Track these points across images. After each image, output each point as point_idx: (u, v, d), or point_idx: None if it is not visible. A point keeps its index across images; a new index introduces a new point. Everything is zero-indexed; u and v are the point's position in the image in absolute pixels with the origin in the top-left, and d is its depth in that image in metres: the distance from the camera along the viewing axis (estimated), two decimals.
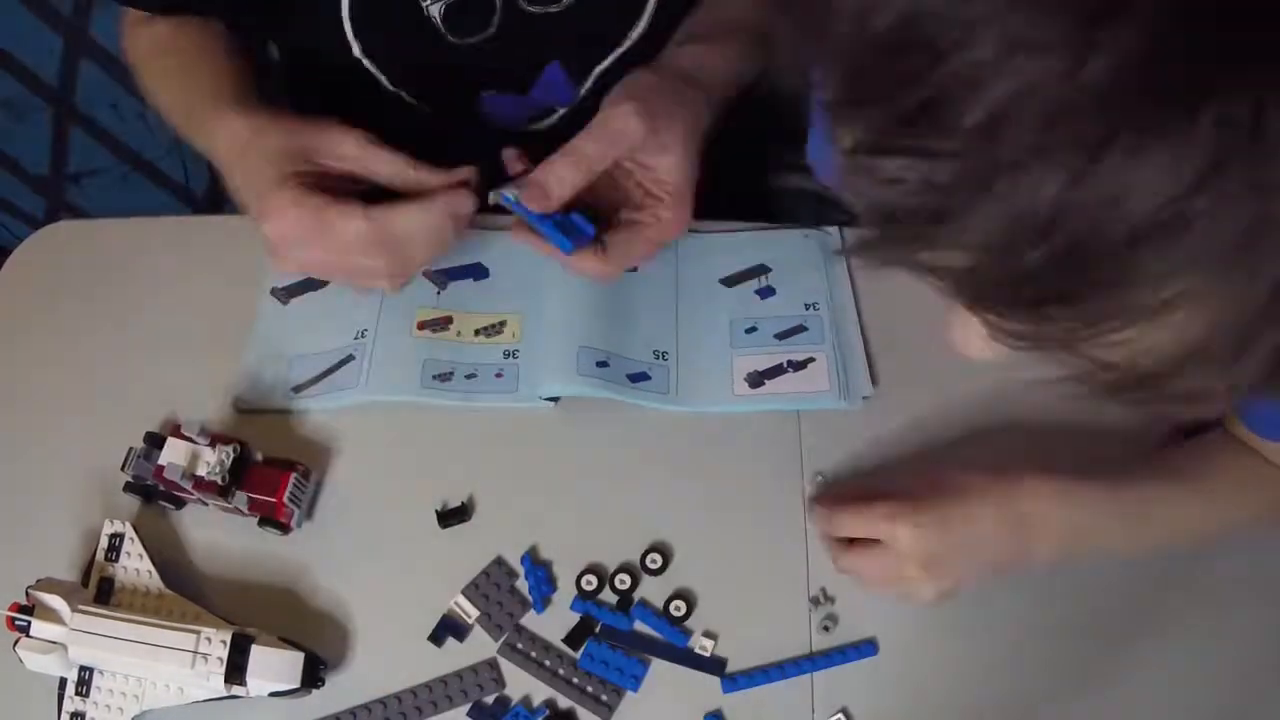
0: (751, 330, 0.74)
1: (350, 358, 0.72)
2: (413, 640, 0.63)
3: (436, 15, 0.73)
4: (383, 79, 0.79)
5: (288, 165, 0.61)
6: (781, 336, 0.73)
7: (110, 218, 0.84)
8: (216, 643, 0.57)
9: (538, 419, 0.71)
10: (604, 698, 0.61)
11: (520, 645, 0.63)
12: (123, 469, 0.65)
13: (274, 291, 0.77)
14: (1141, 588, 0.64)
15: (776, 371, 0.72)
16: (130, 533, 0.64)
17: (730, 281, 0.76)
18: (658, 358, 0.72)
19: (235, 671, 0.57)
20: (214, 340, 0.75)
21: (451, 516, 0.67)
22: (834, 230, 0.79)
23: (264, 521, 0.65)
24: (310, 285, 0.77)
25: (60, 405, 0.73)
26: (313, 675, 0.59)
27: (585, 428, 0.71)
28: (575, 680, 0.62)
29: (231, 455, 0.64)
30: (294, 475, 0.64)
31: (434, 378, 0.71)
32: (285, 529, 0.65)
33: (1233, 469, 0.60)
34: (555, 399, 0.70)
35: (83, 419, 0.72)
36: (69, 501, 0.68)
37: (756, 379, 0.71)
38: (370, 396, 0.70)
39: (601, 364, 0.69)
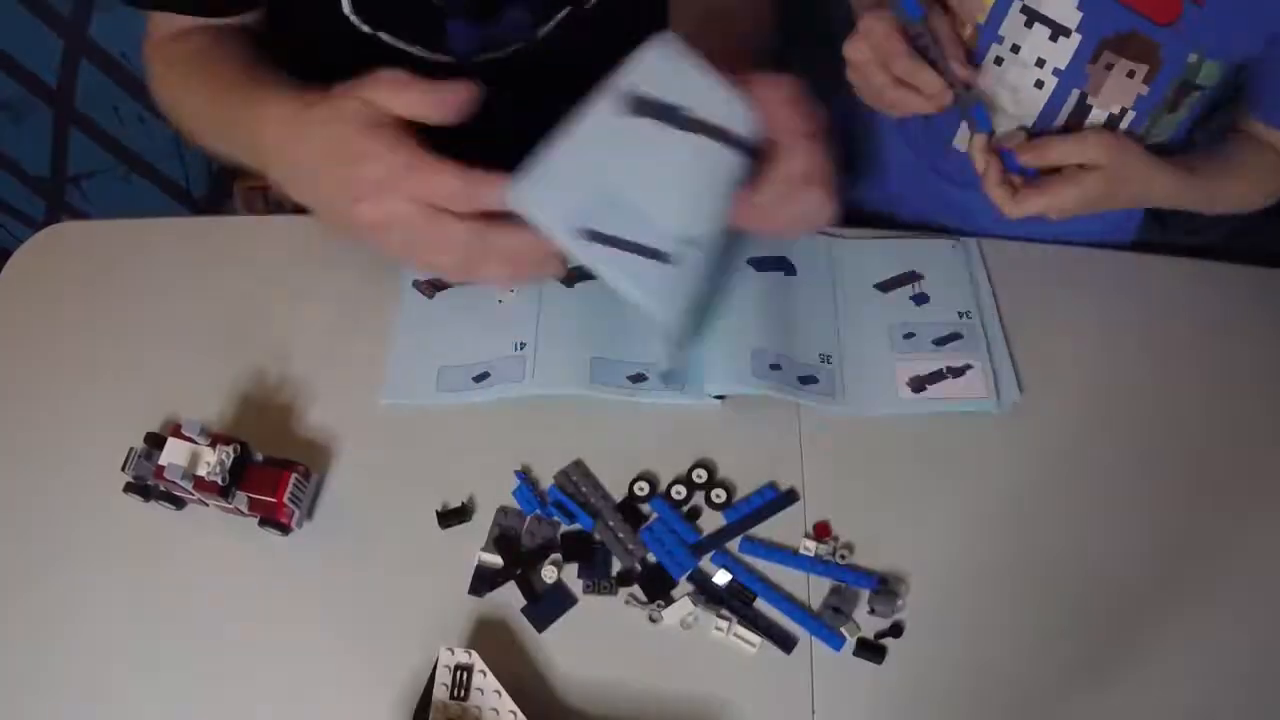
0: (910, 335, 0.75)
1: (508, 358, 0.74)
2: (416, 639, 0.63)
3: None
4: (360, 24, 0.79)
5: (366, 118, 0.56)
6: (939, 342, 0.75)
7: (110, 219, 0.85)
8: None
9: (537, 420, 0.71)
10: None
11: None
12: (123, 469, 0.66)
13: (416, 285, 0.78)
14: (1143, 587, 0.65)
15: (937, 377, 0.73)
16: (480, 663, 0.59)
17: (885, 287, 0.78)
18: (823, 361, 0.73)
19: None
20: (214, 341, 0.75)
21: (452, 517, 0.67)
22: (971, 241, 0.81)
23: (264, 522, 0.65)
24: None
25: (60, 406, 0.73)
26: None
27: (587, 429, 0.71)
28: (632, 547, 0.65)
29: (231, 455, 0.64)
30: (294, 475, 0.64)
31: (601, 375, 0.72)
32: (285, 529, 0.65)
33: (1252, 155, 0.76)
34: (722, 397, 0.71)
35: (83, 420, 0.72)
36: (69, 501, 0.68)
37: (918, 383, 0.73)
38: (536, 390, 0.71)
39: (774, 366, 0.70)
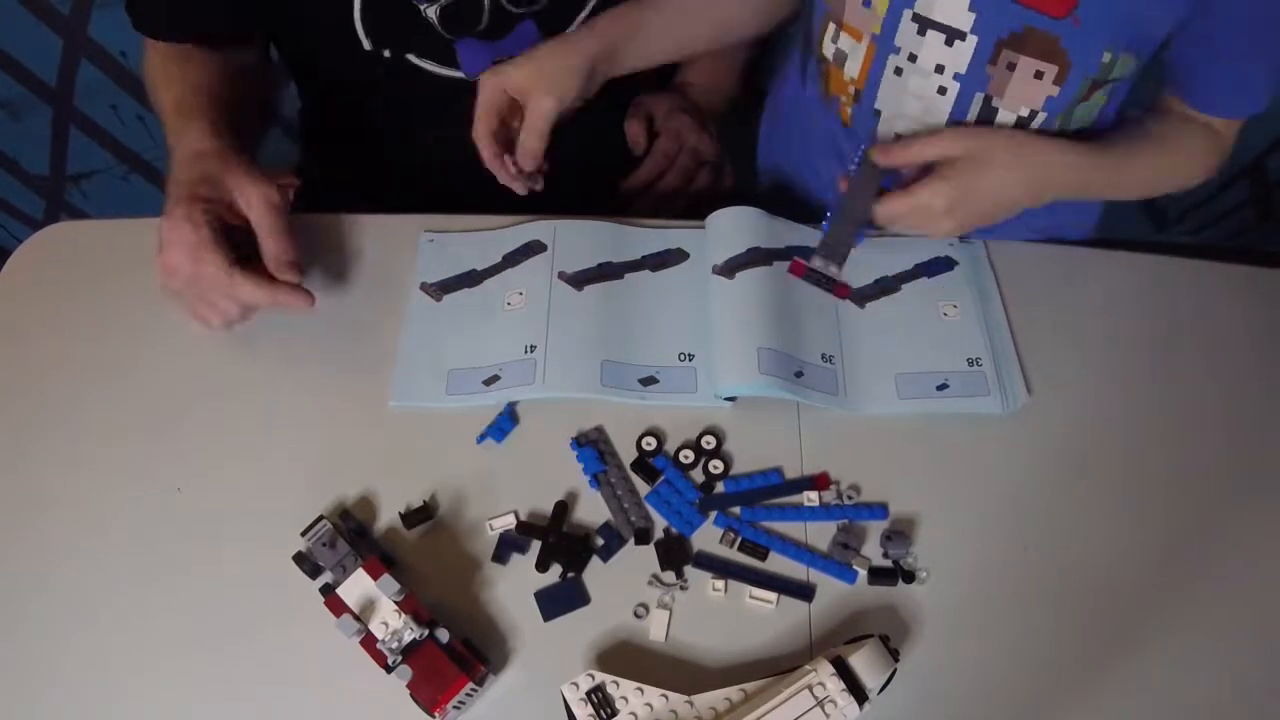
0: (910, 335, 0.75)
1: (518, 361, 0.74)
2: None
3: (433, 16, 0.80)
4: (367, 43, 0.84)
5: (201, 188, 0.71)
6: (939, 342, 0.75)
7: (110, 219, 0.84)
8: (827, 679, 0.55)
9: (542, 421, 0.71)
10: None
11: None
12: (303, 535, 0.64)
13: (424, 287, 0.78)
14: (1148, 586, 0.65)
15: (938, 376, 0.73)
16: (607, 677, 0.58)
17: (885, 287, 0.78)
18: (825, 360, 0.73)
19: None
20: (214, 341, 0.75)
21: (415, 516, 0.66)
22: (979, 242, 0.81)
23: (413, 696, 0.58)
24: (464, 282, 0.78)
25: (59, 407, 0.73)
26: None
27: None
28: (634, 518, 0.67)
29: (417, 637, 0.58)
30: (469, 685, 0.57)
31: (612, 378, 0.72)
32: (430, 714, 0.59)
33: (1181, 133, 0.76)
34: (732, 399, 0.71)
35: (82, 422, 0.72)
36: (70, 504, 0.68)
37: (920, 383, 0.72)
38: (547, 393, 0.71)
39: (779, 365, 0.70)
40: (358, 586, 0.60)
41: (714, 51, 1.02)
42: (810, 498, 0.67)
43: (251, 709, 0.60)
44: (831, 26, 0.74)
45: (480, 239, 0.81)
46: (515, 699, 0.60)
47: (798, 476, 0.69)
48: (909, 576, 0.64)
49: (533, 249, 0.79)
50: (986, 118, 0.72)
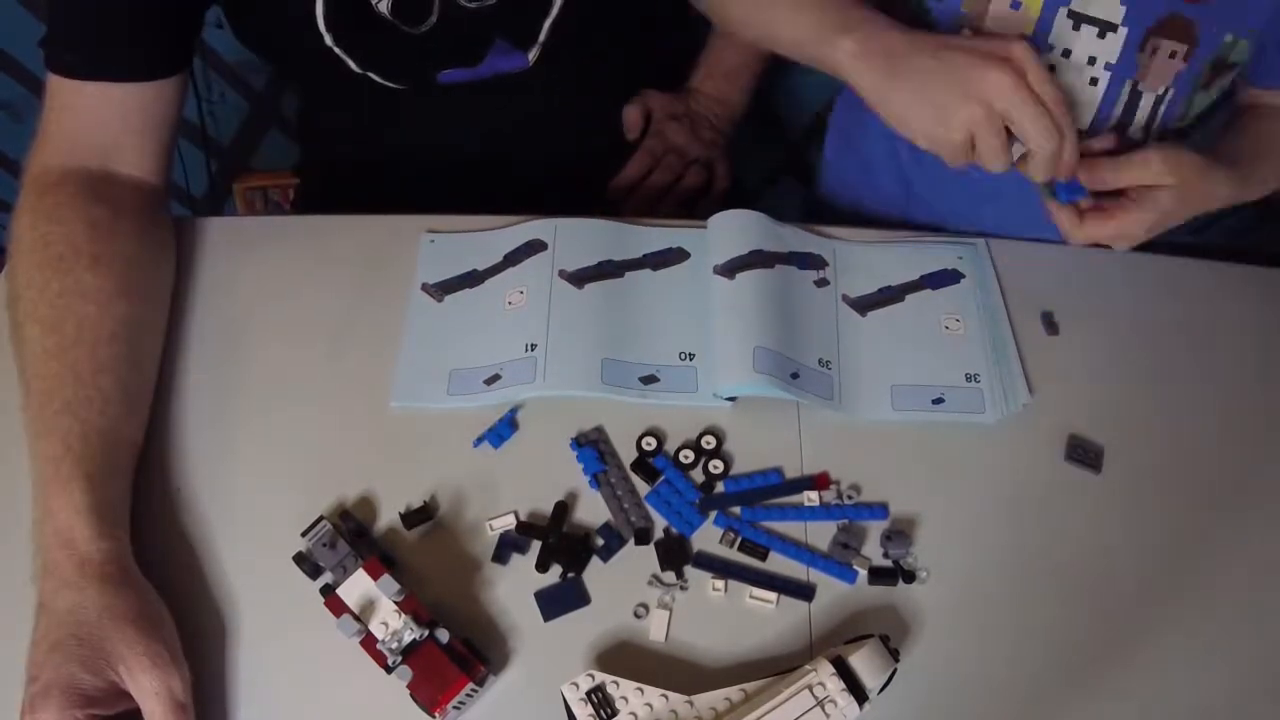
0: (909, 347, 0.75)
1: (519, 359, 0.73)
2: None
3: (385, 10, 0.79)
4: (350, 63, 0.83)
5: (71, 668, 0.55)
6: (939, 356, 0.74)
7: None
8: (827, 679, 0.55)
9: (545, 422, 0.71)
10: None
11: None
12: (303, 535, 0.64)
13: (425, 288, 0.78)
14: (1147, 588, 0.65)
15: (934, 390, 0.73)
16: (607, 677, 0.58)
17: (889, 296, 0.78)
18: (822, 365, 0.73)
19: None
20: (214, 342, 0.75)
21: (415, 516, 0.66)
22: (979, 241, 0.81)
23: (413, 695, 0.58)
24: (465, 282, 0.78)
25: None
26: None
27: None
28: (634, 519, 0.67)
29: (417, 637, 0.58)
30: (469, 685, 0.57)
31: (613, 376, 0.72)
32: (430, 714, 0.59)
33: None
34: (733, 399, 0.72)
35: None
36: None
37: (915, 396, 0.72)
38: (548, 392, 0.71)
39: (775, 364, 0.70)
40: (358, 587, 0.60)
41: (728, 69, 1.01)
42: (810, 498, 0.67)
43: (251, 709, 0.60)
44: (967, 33, 0.73)
45: (481, 239, 0.81)
46: (515, 699, 0.60)
47: (798, 476, 0.69)
48: (909, 576, 0.64)
49: (533, 248, 0.79)
50: (1132, 102, 0.73)
